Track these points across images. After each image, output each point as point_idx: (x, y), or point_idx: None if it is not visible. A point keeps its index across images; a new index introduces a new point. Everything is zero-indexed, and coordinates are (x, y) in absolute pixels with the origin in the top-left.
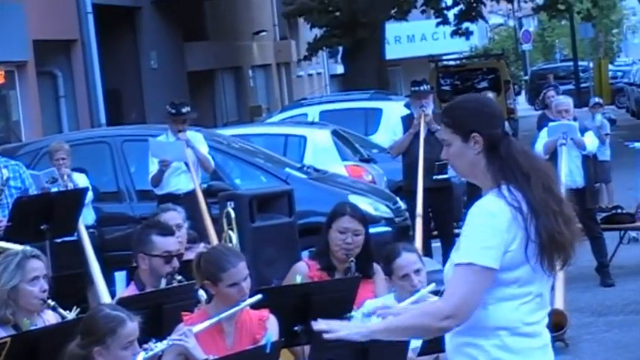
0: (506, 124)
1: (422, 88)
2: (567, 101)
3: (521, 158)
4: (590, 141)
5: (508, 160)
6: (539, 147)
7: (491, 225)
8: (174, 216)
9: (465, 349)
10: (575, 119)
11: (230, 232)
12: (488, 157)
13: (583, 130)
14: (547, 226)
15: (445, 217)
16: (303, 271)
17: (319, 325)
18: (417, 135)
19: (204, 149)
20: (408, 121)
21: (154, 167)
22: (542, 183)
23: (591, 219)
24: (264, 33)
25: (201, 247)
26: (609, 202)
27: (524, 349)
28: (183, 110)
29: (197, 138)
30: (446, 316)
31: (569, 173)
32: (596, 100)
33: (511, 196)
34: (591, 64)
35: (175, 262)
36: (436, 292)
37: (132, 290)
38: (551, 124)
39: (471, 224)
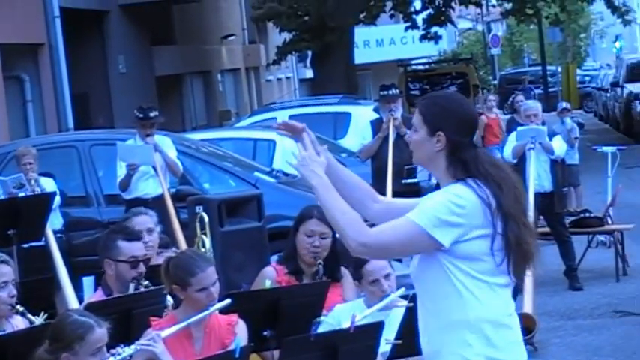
0: (476, 136)
1: (390, 92)
2: (536, 106)
3: (490, 168)
4: (558, 146)
5: (476, 165)
6: (508, 151)
7: (456, 204)
8: (146, 220)
9: (450, 346)
10: (543, 123)
11: (203, 236)
12: (449, 158)
13: (551, 135)
14: (516, 233)
15: None
16: (270, 275)
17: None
18: (386, 139)
19: (172, 153)
20: (377, 126)
21: (122, 171)
22: (514, 193)
23: (559, 223)
24: (232, 37)
25: (171, 252)
26: (578, 206)
27: (507, 344)
28: (151, 114)
29: (165, 142)
30: (362, 243)
31: (537, 177)
32: (564, 104)
33: (479, 189)
34: (559, 69)
35: (142, 267)
36: (405, 297)
37: (99, 295)
38: (519, 128)
39: (437, 195)
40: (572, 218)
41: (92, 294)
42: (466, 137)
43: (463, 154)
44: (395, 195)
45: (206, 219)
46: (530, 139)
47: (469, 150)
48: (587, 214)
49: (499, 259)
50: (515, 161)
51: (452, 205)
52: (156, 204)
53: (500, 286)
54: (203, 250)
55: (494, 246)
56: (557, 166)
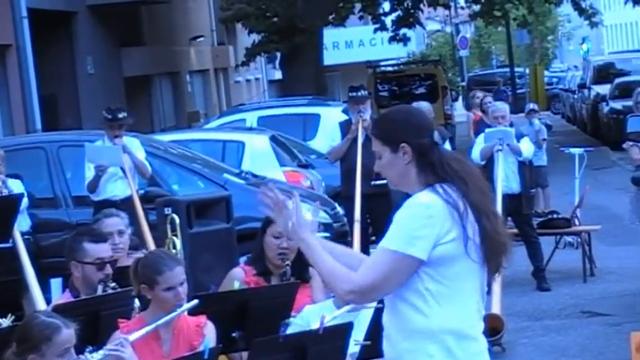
0: (436, 134)
1: (359, 93)
2: (504, 107)
3: (454, 164)
4: (526, 147)
5: (442, 165)
6: (476, 153)
7: (423, 215)
8: (117, 222)
9: (411, 355)
10: (511, 125)
11: (174, 238)
12: (418, 165)
13: (519, 137)
14: (488, 226)
15: (384, 223)
16: (239, 276)
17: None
18: (355, 140)
19: (140, 155)
20: (345, 127)
21: (90, 173)
22: (480, 186)
23: (527, 224)
24: (201, 38)
25: (141, 253)
26: (546, 207)
27: (469, 356)
28: (120, 115)
29: (134, 144)
30: (350, 290)
31: (505, 179)
32: (531, 106)
33: (445, 193)
34: (527, 71)
35: (108, 269)
36: None
37: (67, 298)
38: (487, 130)
39: (402, 213)
40: (540, 219)
41: (60, 296)
42: (428, 138)
43: (429, 157)
44: (365, 197)
45: (177, 220)
46: (497, 141)
47: (433, 150)
48: (554, 216)
49: (476, 256)
50: (483, 163)
51: (420, 218)
52: (124, 205)
53: (471, 290)
54: (174, 251)
55: (468, 246)
56: (525, 168)
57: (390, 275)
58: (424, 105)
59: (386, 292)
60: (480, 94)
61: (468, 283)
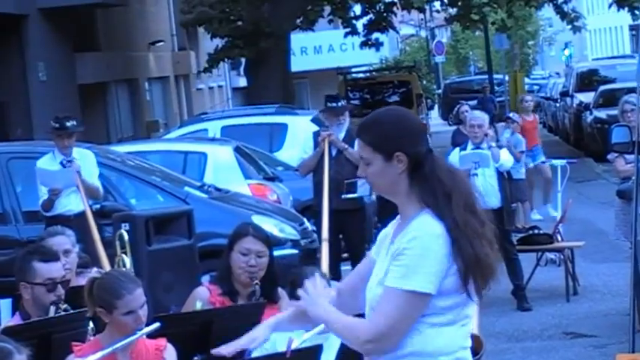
0: (429, 138)
1: (339, 104)
2: (482, 116)
3: (444, 176)
4: (505, 157)
5: (432, 180)
6: None
7: (435, 249)
8: (63, 241)
9: None
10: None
11: (123, 255)
12: (411, 176)
13: (498, 148)
14: (473, 249)
15: (356, 239)
16: (203, 296)
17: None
18: (322, 156)
19: (94, 170)
20: (317, 137)
21: (43, 192)
22: (465, 202)
23: (507, 240)
24: (161, 43)
25: (94, 271)
26: (525, 222)
27: None
28: (68, 124)
29: (88, 158)
30: (367, 340)
31: (484, 194)
32: (511, 115)
33: (446, 220)
34: (507, 78)
35: (60, 290)
36: None
37: (17, 321)
38: (462, 152)
39: (413, 246)
40: (520, 235)
41: (10, 318)
42: (422, 145)
43: (424, 168)
44: (336, 212)
45: (126, 237)
46: (473, 165)
47: (428, 160)
48: (535, 231)
49: (470, 285)
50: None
51: (434, 252)
52: (78, 221)
53: (464, 319)
54: (124, 269)
55: (462, 277)
56: (505, 182)
57: (405, 316)
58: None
59: (403, 335)
60: (467, 107)
61: (464, 310)
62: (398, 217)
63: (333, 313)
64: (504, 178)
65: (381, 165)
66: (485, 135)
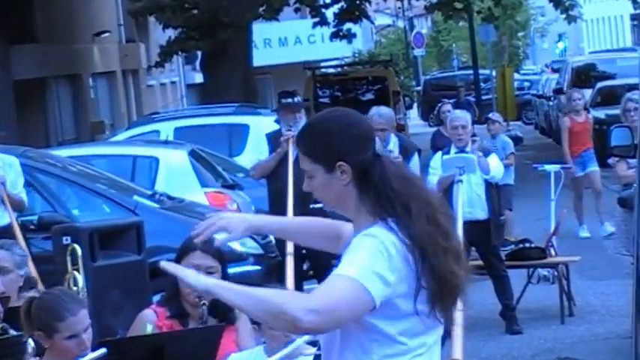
0: (378, 141)
1: (293, 100)
2: (464, 116)
3: (397, 184)
4: (495, 165)
5: (384, 188)
6: (433, 181)
7: (386, 255)
8: (3, 256)
9: None
10: (474, 136)
11: (75, 272)
12: (359, 187)
13: (486, 153)
14: (436, 266)
15: (321, 255)
16: (150, 319)
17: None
18: (285, 158)
19: (19, 180)
20: (274, 139)
21: None
22: (426, 214)
23: (494, 255)
24: (107, 34)
25: (32, 291)
26: (508, 234)
27: None
28: None
29: (12, 165)
30: (312, 308)
31: (468, 203)
32: (491, 115)
33: (402, 233)
34: (494, 73)
35: None
36: (314, 343)
37: None
38: (445, 157)
39: (361, 240)
40: (510, 249)
41: None
42: (369, 151)
43: (372, 175)
44: None
45: (79, 252)
46: (457, 170)
47: (375, 166)
48: (526, 244)
49: (425, 311)
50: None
51: (380, 253)
52: (4, 235)
53: (420, 347)
54: (75, 289)
55: (418, 300)
56: (493, 190)
57: (349, 304)
58: (385, 111)
59: (342, 323)
60: (448, 106)
61: (419, 338)
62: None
63: (235, 286)
64: (492, 186)
65: (323, 177)
66: (473, 141)
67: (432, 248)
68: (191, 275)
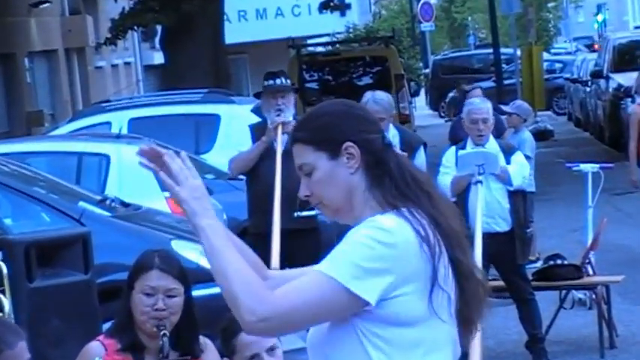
0: (387, 134)
1: (278, 81)
2: (485, 107)
3: (416, 173)
4: (516, 170)
5: (402, 175)
6: (444, 182)
7: (381, 241)
8: None
9: None
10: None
11: (1, 295)
12: (371, 174)
13: (508, 154)
14: (463, 262)
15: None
16: (98, 353)
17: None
18: (271, 152)
19: None
20: (258, 132)
21: None
22: (449, 205)
23: (519, 275)
24: (46, 5)
25: None
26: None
27: None
28: None
29: None
30: (261, 317)
31: (487, 211)
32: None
33: (416, 221)
34: (518, 53)
35: None
36: None
37: None
38: (460, 152)
39: (353, 233)
40: (536, 266)
41: None
42: (378, 134)
43: (385, 161)
44: (284, 234)
45: (4, 270)
46: (476, 169)
47: (388, 152)
48: (558, 261)
49: (446, 313)
50: (454, 199)
51: (375, 244)
52: None
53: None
54: (1, 315)
55: (433, 299)
56: (518, 196)
57: (318, 310)
58: (381, 96)
59: (300, 328)
60: (479, 91)
61: (436, 354)
62: None
63: (226, 246)
64: (517, 192)
65: (328, 166)
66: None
67: (459, 243)
68: (192, 205)
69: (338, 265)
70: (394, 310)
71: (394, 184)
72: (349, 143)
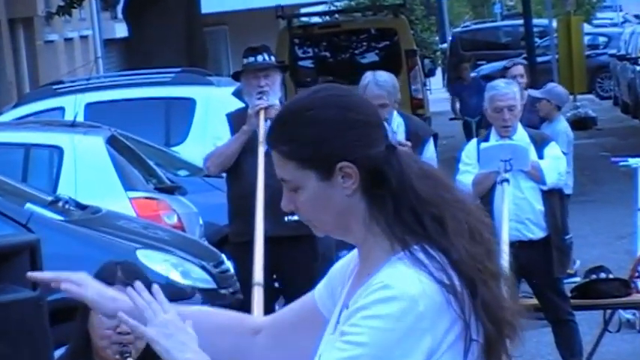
0: (388, 128)
1: (260, 58)
2: (512, 92)
3: (423, 188)
4: (550, 165)
5: (406, 195)
6: (466, 181)
7: (411, 316)
8: None
9: None
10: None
11: None
12: (370, 197)
13: (540, 147)
14: (489, 301)
15: (302, 285)
16: None
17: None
18: (253, 145)
19: None
20: (237, 122)
21: None
22: (468, 227)
23: (556, 291)
24: None
25: None
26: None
27: None
28: None
29: None
30: None
31: (516, 215)
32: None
33: (435, 265)
34: (554, 24)
35: None
36: None
37: None
38: (483, 145)
39: (372, 315)
40: (575, 281)
41: None
42: (381, 145)
43: (386, 178)
44: (271, 242)
45: None
46: (502, 165)
47: (391, 163)
48: (601, 275)
49: (476, 358)
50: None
51: (397, 325)
52: None
53: None
54: None
55: (469, 357)
56: (555, 197)
57: None
58: (384, 78)
59: None
60: (520, 69)
61: None
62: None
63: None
64: (553, 190)
65: (317, 188)
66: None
67: (481, 276)
68: (165, 344)
69: (374, 337)
70: None
71: (398, 207)
72: (345, 163)
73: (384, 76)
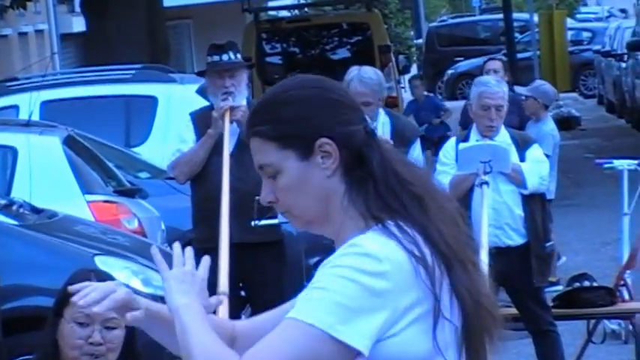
0: (368, 118)
1: (225, 57)
2: (501, 91)
3: (404, 170)
4: (532, 168)
5: (387, 176)
6: (443, 182)
7: (367, 272)
8: None
9: None
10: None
11: None
12: (350, 177)
13: (522, 148)
14: (466, 282)
15: (270, 293)
16: None
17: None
18: (219, 147)
19: None
20: (202, 121)
21: None
22: (447, 211)
23: (537, 301)
24: None
25: None
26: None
27: None
28: None
29: None
30: None
31: (495, 220)
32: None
33: (406, 238)
34: (535, 19)
35: None
36: None
37: None
38: (461, 145)
39: (329, 267)
40: (557, 289)
41: None
42: (360, 123)
43: (367, 158)
44: (237, 248)
45: None
46: (481, 166)
47: (371, 145)
48: (585, 283)
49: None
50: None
51: (361, 276)
52: None
53: None
54: None
55: (437, 334)
56: (536, 201)
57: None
58: (369, 73)
59: None
60: (497, 64)
61: None
62: None
63: (199, 319)
64: (534, 196)
65: (297, 168)
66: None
67: (460, 257)
68: (172, 285)
69: (317, 307)
70: (392, 352)
71: (377, 186)
72: (325, 139)
73: (369, 72)
